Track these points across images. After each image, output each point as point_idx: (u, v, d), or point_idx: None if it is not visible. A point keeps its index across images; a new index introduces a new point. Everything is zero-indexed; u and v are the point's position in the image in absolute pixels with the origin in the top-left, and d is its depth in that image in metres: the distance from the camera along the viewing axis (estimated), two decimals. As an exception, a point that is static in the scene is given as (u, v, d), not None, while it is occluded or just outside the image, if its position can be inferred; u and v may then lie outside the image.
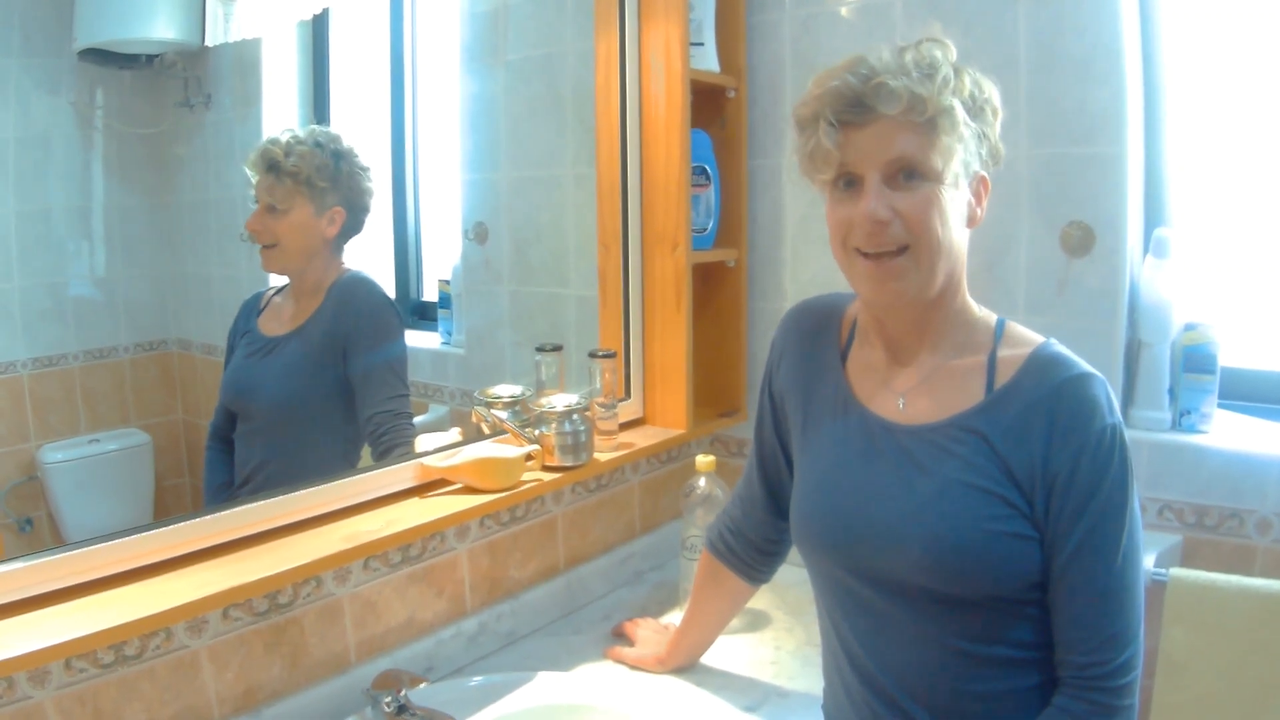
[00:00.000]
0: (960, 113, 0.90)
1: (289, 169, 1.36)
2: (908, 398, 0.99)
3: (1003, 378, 0.94)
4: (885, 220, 0.90)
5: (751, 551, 1.22)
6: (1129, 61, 1.40)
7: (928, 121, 0.89)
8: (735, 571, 1.24)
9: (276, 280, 1.46)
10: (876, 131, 0.90)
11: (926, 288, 0.93)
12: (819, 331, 1.10)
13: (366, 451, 1.41)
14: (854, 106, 0.91)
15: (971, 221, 0.97)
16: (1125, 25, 1.39)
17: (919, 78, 0.89)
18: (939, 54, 0.92)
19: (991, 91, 0.95)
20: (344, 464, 1.40)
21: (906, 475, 0.95)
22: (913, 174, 0.90)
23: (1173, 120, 1.49)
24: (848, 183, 0.93)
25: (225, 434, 1.40)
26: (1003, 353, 0.96)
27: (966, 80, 0.92)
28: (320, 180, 1.37)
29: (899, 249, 0.91)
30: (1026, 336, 0.97)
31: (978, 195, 0.97)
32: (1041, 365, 0.93)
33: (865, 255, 0.93)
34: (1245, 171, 1.48)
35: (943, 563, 0.91)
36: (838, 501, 1.00)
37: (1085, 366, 0.92)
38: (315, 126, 1.44)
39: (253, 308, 1.45)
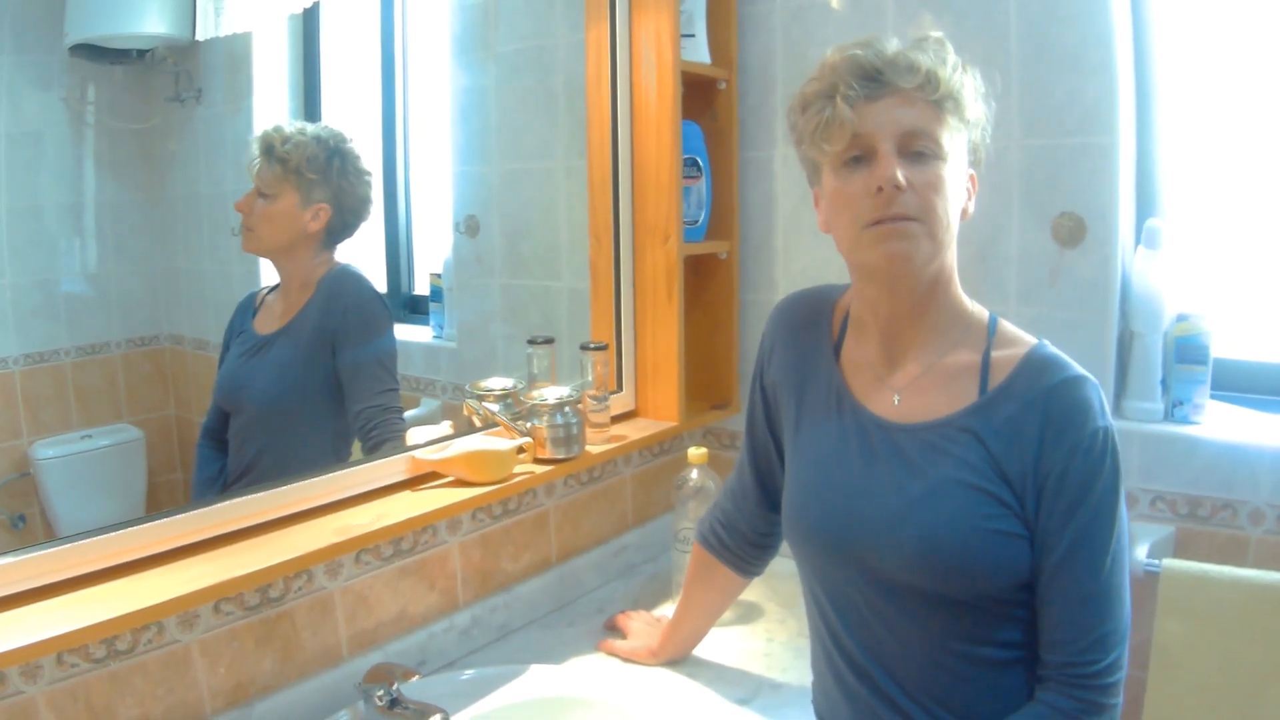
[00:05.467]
0: (967, 97, 0.93)
1: (280, 155, 1.37)
2: (903, 395, 0.99)
3: (997, 378, 0.94)
4: (903, 186, 0.90)
5: (744, 544, 1.22)
6: (1120, 52, 1.40)
7: (936, 101, 0.91)
8: (727, 564, 1.24)
9: (270, 278, 1.46)
10: (890, 104, 0.91)
11: (931, 259, 0.93)
12: (810, 324, 1.10)
13: (357, 446, 1.42)
14: (869, 80, 0.91)
15: (963, 214, 0.98)
16: (1116, 15, 1.39)
17: (935, 58, 0.92)
18: (948, 45, 0.95)
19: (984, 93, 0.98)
20: (335, 459, 1.40)
21: (900, 474, 0.96)
22: (923, 149, 0.91)
23: (1164, 110, 1.49)
24: (856, 158, 0.93)
25: (218, 434, 1.40)
26: (996, 353, 0.96)
27: (970, 74, 0.95)
28: (309, 172, 1.38)
29: (908, 218, 0.91)
30: (1019, 336, 0.98)
31: (968, 191, 0.98)
32: (1035, 367, 0.93)
33: (873, 224, 0.92)
34: (1237, 162, 1.48)
35: (934, 559, 0.91)
36: (833, 498, 1.00)
37: (1078, 369, 0.93)
38: (327, 124, 1.44)
39: (248, 307, 1.45)
